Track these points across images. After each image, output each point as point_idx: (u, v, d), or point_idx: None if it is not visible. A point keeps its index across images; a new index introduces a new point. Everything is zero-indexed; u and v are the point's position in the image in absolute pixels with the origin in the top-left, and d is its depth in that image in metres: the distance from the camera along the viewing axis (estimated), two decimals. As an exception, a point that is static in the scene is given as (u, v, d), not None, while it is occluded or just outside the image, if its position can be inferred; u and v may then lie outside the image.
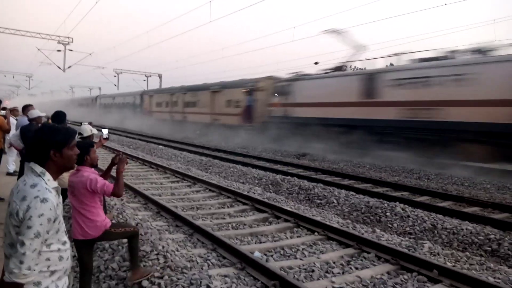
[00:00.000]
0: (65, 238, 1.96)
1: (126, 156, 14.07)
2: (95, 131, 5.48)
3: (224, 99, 24.88)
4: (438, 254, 5.12)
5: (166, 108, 33.11)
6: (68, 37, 31.19)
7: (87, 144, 3.65)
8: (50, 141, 1.90)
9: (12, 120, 9.15)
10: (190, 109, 29.23)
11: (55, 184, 1.89)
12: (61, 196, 1.99)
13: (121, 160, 3.45)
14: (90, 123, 5.58)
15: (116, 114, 39.99)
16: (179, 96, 30.65)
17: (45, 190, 1.80)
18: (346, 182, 10.83)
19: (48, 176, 1.87)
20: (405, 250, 4.93)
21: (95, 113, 45.82)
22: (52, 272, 1.87)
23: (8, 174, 9.60)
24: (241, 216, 6.82)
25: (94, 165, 3.63)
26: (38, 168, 1.87)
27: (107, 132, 5.52)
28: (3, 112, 9.11)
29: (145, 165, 12.59)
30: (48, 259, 1.84)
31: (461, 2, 15.28)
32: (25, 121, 7.73)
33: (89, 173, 3.41)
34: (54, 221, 1.82)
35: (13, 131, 8.56)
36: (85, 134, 5.35)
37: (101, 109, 48.27)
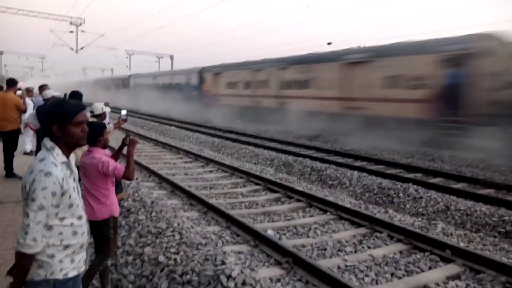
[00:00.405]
0: (81, 213, 1.98)
1: (138, 137, 14.13)
2: (107, 109, 5.39)
3: (379, 75, 14.37)
4: (451, 234, 5.14)
5: (245, 90, 22.38)
6: (80, 18, 31.20)
7: (101, 125, 3.63)
8: (52, 115, 1.89)
9: (28, 101, 9.29)
10: (295, 91, 18.52)
11: (64, 159, 1.89)
12: (75, 171, 1.99)
13: (132, 142, 3.37)
14: (106, 104, 5.58)
15: (162, 99, 30.41)
16: (272, 72, 20.18)
17: (50, 164, 1.81)
18: (358, 163, 10.78)
19: (57, 151, 1.88)
20: (418, 230, 4.95)
21: (129, 99, 36.48)
22: (66, 246, 1.90)
23: (25, 153, 9.79)
24: (254, 196, 6.90)
25: (106, 146, 3.58)
26: (49, 143, 1.89)
27: (125, 113, 5.50)
28: (19, 92, 9.24)
29: (159, 146, 12.72)
30: (60, 233, 1.88)
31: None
32: (41, 101, 7.86)
33: (101, 155, 3.37)
34: (62, 195, 1.84)
35: (30, 111, 8.71)
36: (96, 112, 5.21)
37: (136, 93, 37.56)
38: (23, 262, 1.80)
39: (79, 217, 1.96)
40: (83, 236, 1.99)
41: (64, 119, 1.88)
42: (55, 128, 1.87)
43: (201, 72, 27.74)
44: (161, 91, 32.69)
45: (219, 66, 26.24)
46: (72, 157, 2.06)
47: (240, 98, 22.68)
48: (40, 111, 6.88)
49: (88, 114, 3.74)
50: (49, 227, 1.84)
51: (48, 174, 1.78)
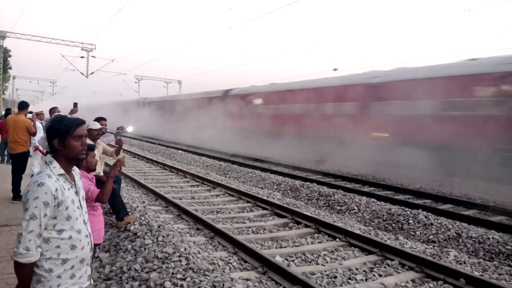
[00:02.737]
0: (80, 226, 1.98)
1: (145, 160, 13.97)
2: (94, 126, 5.08)
3: None
4: (465, 262, 5.00)
5: None
6: (91, 44, 31.95)
7: (87, 146, 3.47)
8: (53, 130, 1.97)
9: (38, 124, 9.41)
10: None
11: (61, 171, 1.95)
12: (78, 185, 2.05)
13: (115, 164, 3.24)
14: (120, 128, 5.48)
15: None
16: None
17: (45, 175, 1.88)
18: (366, 189, 10.69)
19: (55, 164, 1.95)
20: (430, 258, 4.82)
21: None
22: (64, 261, 1.90)
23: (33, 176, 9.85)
24: (261, 221, 6.80)
25: (91, 170, 3.49)
26: (48, 158, 1.98)
27: (119, 132, 5.45)
28: (29, 115, 9.36)
29: (165, 169, 12.72)
30: (58, 247, 1.89)
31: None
32: (51, 124, 7.94)
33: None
34: (58, 206, 1.87)
35: (40, 134, 8.80)
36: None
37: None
38: (18, 271, 1.85)
39: (78, 231, 1.96)
40: (83, 250, 1.99)
41: (64, 133, 1.96)
42: (56, 142, 1.96)
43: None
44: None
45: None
46: (76, 172, 2.11)
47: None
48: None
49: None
50: (46, 240, 1.87)
51: (41, 185, 1.83)
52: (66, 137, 1.95)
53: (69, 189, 1.96)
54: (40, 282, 1.86)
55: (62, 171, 1.95)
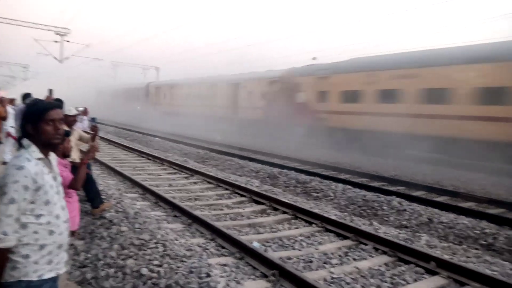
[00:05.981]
0: (59, 212, 1.95)
1: (122, 147, 13.73)
2: (70, 112, 5.00)
3: None
4: (435, 246, 5.18)
5: None
6: (65, 28, 30.91)
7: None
8: (26, 114, 1.93)
9: (10, 109, 9.11)
10: None
11: (40, 155, 1.91)
12: (56, 170, 2.01)
13: (89, 150, 3.14)
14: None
15: None
16: None
17: (24, 159, 1.83)
18: (343, 176, 10.87)
19: (33, 147, 1.90)
20: (403, 243, 4.97)
21: None
22: (42, 246, 1.86)
23: (4, 163, 9.54)
24: (239, 208, 6.84)
25: (66, 155, 3.47)
26: (25, 142, 1.92)
27: (93, 119, 5.34)
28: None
29: (142, 157, 12.57)
30: (36, 232, 1.84)
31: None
32: (23, 109, 7.70)
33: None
34: (37, 190, 1.83)
35: (10, 120, 8.54)
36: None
37: None
38: None
39: (57, 216, 1.93)
40: (61, 236, 1.96)
41: (37, 118, 1.90)
42: (29, 127, 1.90)
43: None
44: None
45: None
46: (53, 157, 2.05)
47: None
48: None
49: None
50: (23, 225, 1.82)
51: (20, 168, 1.79)
52: (38, 122, 1.90)
53: (47, 173, 1.93)
54: (15, 269, 1.81)
55: (41, 155, 1.92)
